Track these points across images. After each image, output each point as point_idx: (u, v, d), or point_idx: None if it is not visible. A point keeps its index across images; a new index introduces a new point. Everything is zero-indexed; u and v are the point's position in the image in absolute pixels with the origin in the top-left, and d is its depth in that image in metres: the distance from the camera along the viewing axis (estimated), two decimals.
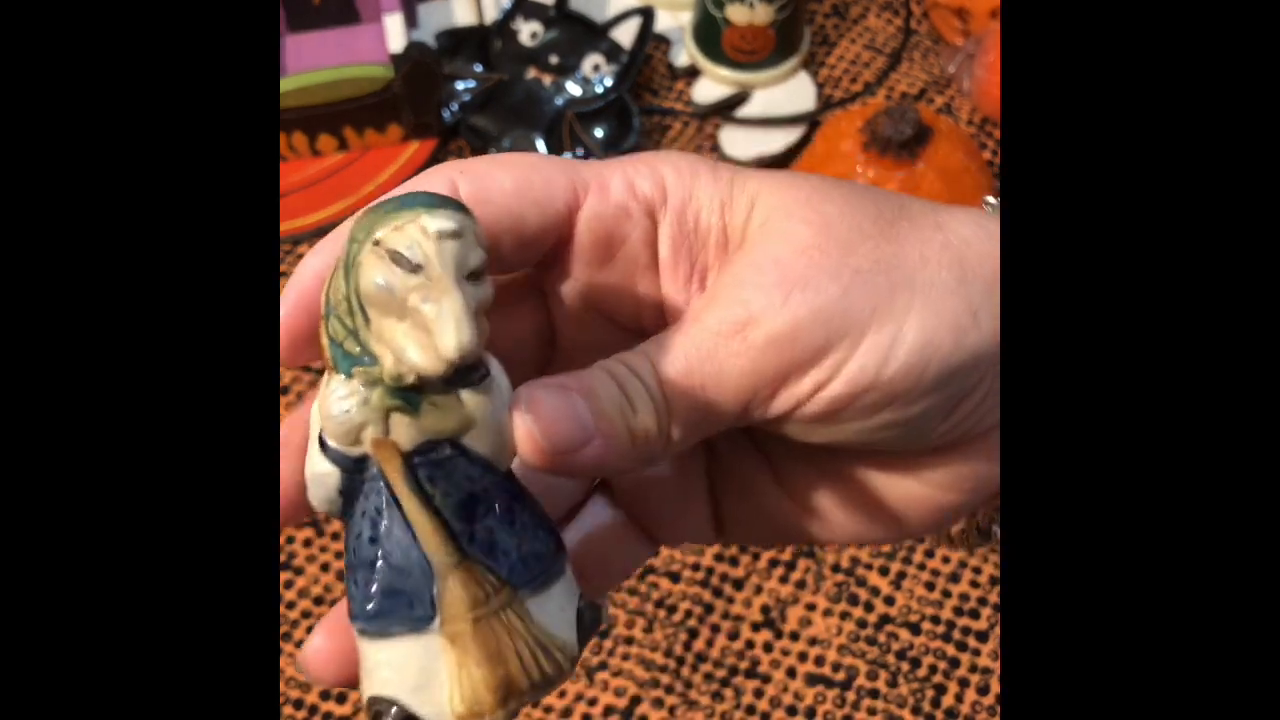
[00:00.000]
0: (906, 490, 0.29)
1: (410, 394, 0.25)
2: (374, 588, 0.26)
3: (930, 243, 0.26)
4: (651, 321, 0.29)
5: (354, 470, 0.26)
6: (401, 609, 0.26)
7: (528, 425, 0.25)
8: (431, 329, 0.24)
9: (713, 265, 0.28)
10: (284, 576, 0.69)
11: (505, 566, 0.26)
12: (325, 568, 0.69)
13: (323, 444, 0.26)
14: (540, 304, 0.30)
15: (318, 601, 0.68)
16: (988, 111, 0.86)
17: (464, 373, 0.25)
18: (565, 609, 0.28)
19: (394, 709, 0.27)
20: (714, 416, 0.26)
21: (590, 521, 0.32)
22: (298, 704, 0.65)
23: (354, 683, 0.28)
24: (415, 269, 0.24)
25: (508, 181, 0.27)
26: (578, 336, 0.30)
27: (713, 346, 0.26)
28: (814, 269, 0.26)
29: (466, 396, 0.26)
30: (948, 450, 0.28)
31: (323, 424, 0.26)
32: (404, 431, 0.26)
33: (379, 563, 0.26)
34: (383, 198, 0.25)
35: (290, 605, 0.68)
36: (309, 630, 0.67)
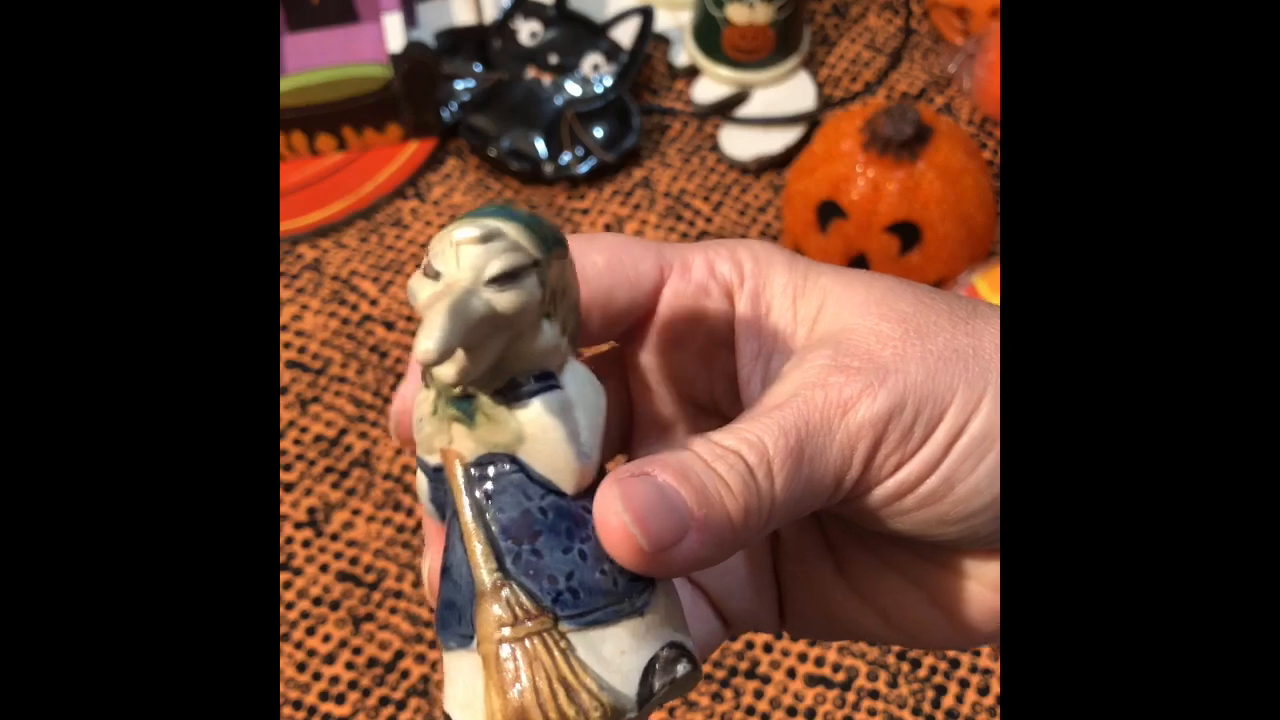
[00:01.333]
0: (968, 592, 0.29)
1: (464, 403, 0.25)
2: (442, 597, 0.26)
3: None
4: (724, 399, 0.30)
5: (437, 480, 0.26)
6: (453, 623, 0.26)
7: (623, 522, 0.24)
8: (421, 328, 0.24)
9: (780, 350, 0.29)
10: (283, 577, 0.69)
11: (549, 593, 0.25)
12: (324, 568, 0.69)
13: (418, 454, 0.26)
14: (620, 378, 0.31)
15: (316, 602, 0.68)
16: (988, 111, 0.86)
17: (518, 384, 0.25)
18: (628, 654, 0.25)
19: None
20: (810, 495, 0.26)
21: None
22: (297, 704, 0.65)
23: None
24: (436, 275, 0.24)
25: (600, 260, 0.28)
26: (654, 411, 0.31)
27: (818, 425, 0.26)
28: (900, 357, 0.27)
29: (520, 409, 0.25)
30: None
31: (415, 436, 0.26)
32: (465, 443, 0.25)
33: (448, 571, 0.26)
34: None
35: (289, 605, 0.68)
36: (308, 631, 0.67)
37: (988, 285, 0.74)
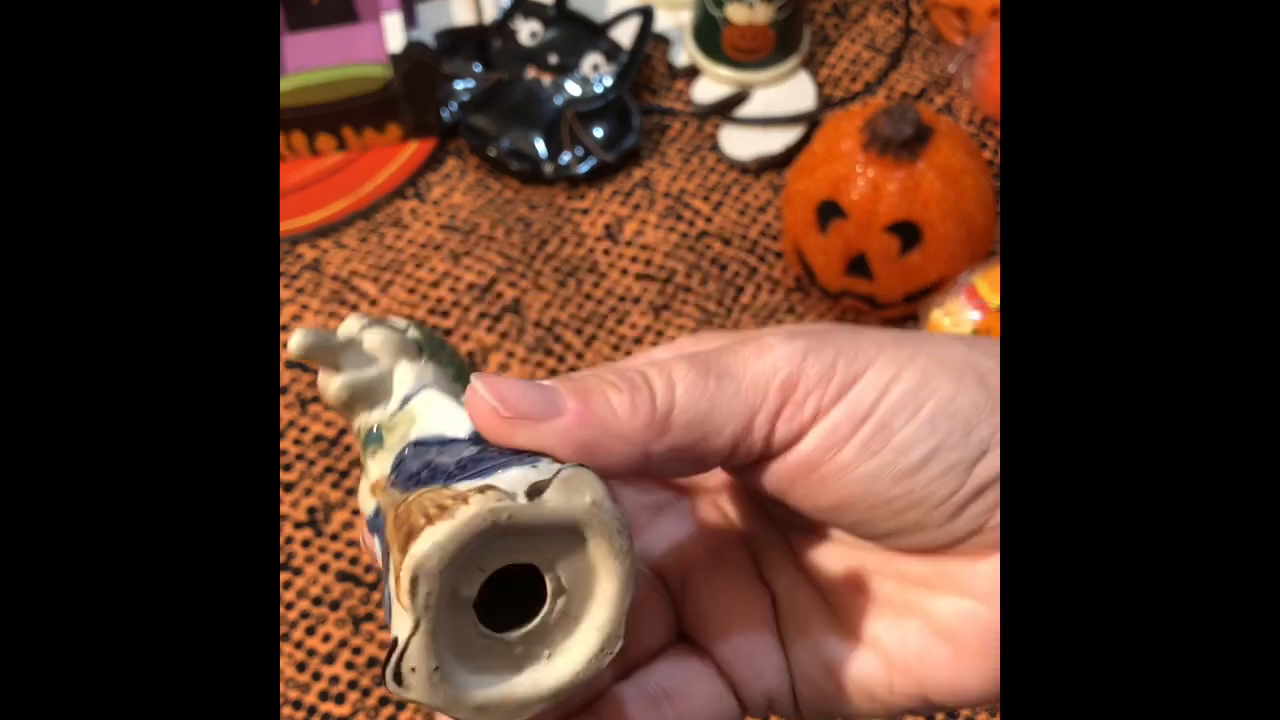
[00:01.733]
0: (957, 609, 0.28)
1: (374, 433, 0.30)
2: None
3: (946, 334, 0.28)
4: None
5: (378, 524, 0.28)
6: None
7: (484, 398, 0.26)
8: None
9: None
10: (283, 577, 0.69)
11: (442, 476, 0.26)
12: (324, 568, 0.69)
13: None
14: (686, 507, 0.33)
15: (316, 602, 0.68)
16: (988, 111, 0.86)
17: (404, 400, 0.30)
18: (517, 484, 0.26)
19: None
20: (719, 417, 0.26)
21: (677, 667, 0.31)
22: (297, 704, 0.65)
23: None
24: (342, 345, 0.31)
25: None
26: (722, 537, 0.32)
27: (730, 356, 0.26)
28: (830, 331, 0.27)
29: (405, 408, 0.30)
30: (990, 552, 0.27)
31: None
32: (382, 463, 0.29)
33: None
34: None
35: (289, 605, 0.68)
36: (308, 631, 0.67)
37: (988, 285, 0.74)
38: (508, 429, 0.25)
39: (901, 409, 0.26)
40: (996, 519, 0.27)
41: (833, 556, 0.30)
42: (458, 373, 0.32)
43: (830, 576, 0.30)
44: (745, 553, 0.32)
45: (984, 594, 0.28)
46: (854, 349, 0.27)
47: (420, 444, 0.28)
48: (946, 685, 0.29)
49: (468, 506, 0.24)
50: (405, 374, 0.31)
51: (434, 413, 0.29)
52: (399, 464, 0.28)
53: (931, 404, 0.26)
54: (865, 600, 0.30)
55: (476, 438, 0.27)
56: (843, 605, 0.30)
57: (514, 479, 0.24)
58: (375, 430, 0.30)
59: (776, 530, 0.32)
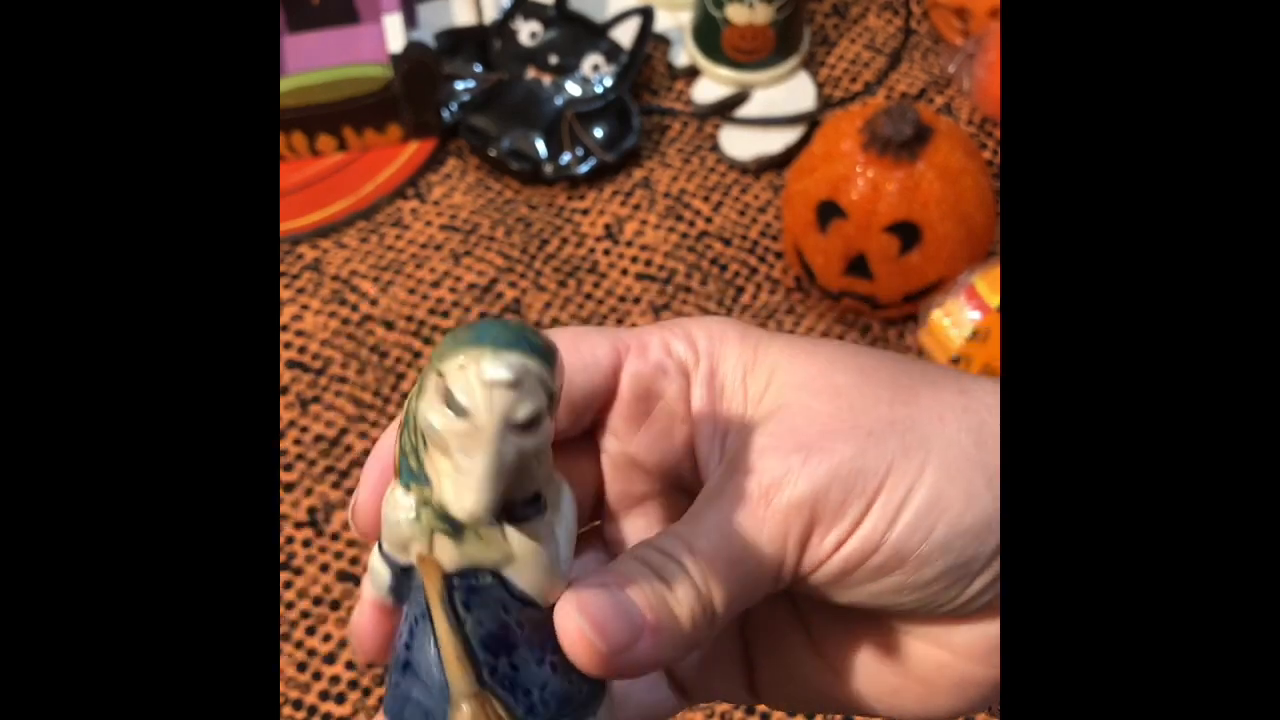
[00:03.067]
0: (935, 659, 0.29)
1: (456, 520, 0.26)
2: (404, 692, 0.27)
3: (951, 406, 0.27)
4: (688, 473, 0.31)
5: (402, 576, 0.27)
6: (402, 705, 0.27)
7: (581, 629, 0.26)
8: (458, 483, 0.24)
9: (733, 428, 0.29)
10: (283, 577, 0.69)
11: (523, 704, 0.26)
12: (324, 568, 0.69)
13: (380, 544, 0.27)
14: (593, 460, 0.31)
15: (316, 602, 0.68)
16: (988, 111, 0.86)
17: (512, 507, 0.26)
18: None
19: None
20: (751, 586, 0.27)
21: None
22: (297, 704, 0.65)
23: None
24: (462, 413, 0.24)
25: (561, 345, 0.29)
26: (623, 489, 0.31)
27: (741, 517, 0.27)
28: (827, 435, 0.27)
29: (511, 532, 0.26)
30: (977, 618, 0.28)
31: (382, 528, 0.26)
32: (447, 553, 0.26)
33: (411, 669, 0.27)
34: (473, 324, 0.26)
35: (289, 605, 0.68)
36: (308, 631, 0.67)
37: (987, 285, 0.74)
38: (601, 667, 0.26)
39: (913, 533, 0.27)
40: (989, 598, 0.27)
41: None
42: None
43: (812, 606, 0.31)
44: None
45: (963, 650, 0.29)
46: (861, 476, 0.27)
47: (504, 587, 0.26)
48: (912, 715, 0.30)
49: None
50: (545, 465, 0.26)
51: (532, 570, 0.26)
52: (470, 589, 0.26)
53: (942, 526, 0.26)
54: (845, 634, 0.30)
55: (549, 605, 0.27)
56: (820, 632, 0.31)
57: None
58: (460, 524, 0.26)
59: None
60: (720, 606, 0.27)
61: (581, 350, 0.29)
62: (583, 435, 0.31)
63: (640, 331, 0.30)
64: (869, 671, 0.30)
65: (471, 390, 0.24)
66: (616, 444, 0.31)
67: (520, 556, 0.26)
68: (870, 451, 0.27)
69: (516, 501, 0.26)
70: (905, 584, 0.27)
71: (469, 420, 0.24)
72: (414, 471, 0.25)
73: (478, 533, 0.26)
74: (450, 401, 0.24)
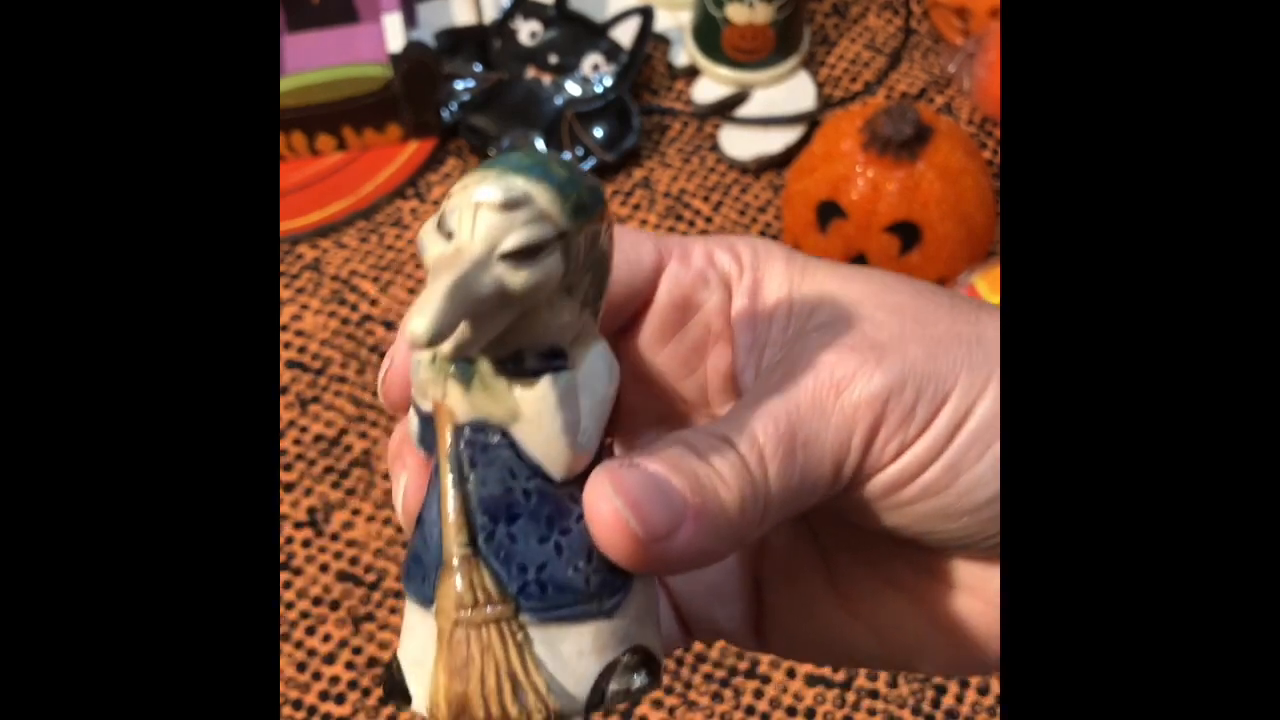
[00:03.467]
0: (967, 607, 0.28)
1: (464, 365, 0.24)
2: (410, 545, 0.25)
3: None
4: (716, 395, 0.29)
5: (427, 426, 0.25)
6: (417, 580, 0.25)
7: (615, 507, 0.23)
8: (416, 304, 0.22)
9: (774, 343, 0.28)
10: (283, 577, 0.69)
11: (516, 581, 0.24)
12: (324, 568, 0.69)
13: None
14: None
15: (316, 602, 0.68)
16: (988, 111, 0.86)
17: (522, 358, 0.23)
18: (586, 656, 0.24)
19: (395, 676, 0.25)
20: (809, 482, 0.25)
21: None
22: (296, 704, 0.65)
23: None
24: (449, 235, 0.22)
25: None
26: (643, 401, 0.30)
27: (810, 407, 0.25)
28: (897, 339, 0.26)
29: (519, 386, 0.23)
30: None
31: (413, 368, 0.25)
32: (459, 403, 0.24)
33: (421, 523, 0.25)
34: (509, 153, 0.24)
35: (289, 605, 0.68)
36: (308, 631, 0.67)
37: (987, 285, 0.73)
38: (637, 556, 0.24)
39: (970, 448, 0.26)
40: None
41: (844, 526, 0.29)
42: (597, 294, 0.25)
43: (837, 542, 0.30)
44: None
45: (996, 600, 0.28)
46: (933, 380, 0.25)
47: (513, 449, 0.24)
48: (936, 667, 0.29)
49: None
50: (559, 315, 0.24)
51: (540, 432, 0.24)
52: (478, 444, 0.24)
53: (997, 446, 0.26)
54: (871, 577, 0.29)
55: (568, 480, 0.24)
56: (844, 574, 0.30)
57: (587, 666, 0.24)
58: (469, 369, 0.24)
59: None
60: (775, 495, 0.25)
61: (622, 246, 0.27)
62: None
63: (683, 240, 0.29)
64: (893, 618, 0.29)
65: (459, 210, 0.22)
66: (646, 353, 0.29)
67: (527, 415, 0.24)
68: (941, 357, 0.26)
69: (528, 353, 0.23)
70: (953, 507, 0.26)
71: (454, 241, 0.22)
72: None
73: (484, 383, 0.23)
74: (441, 223, 0.22)
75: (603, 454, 0.25)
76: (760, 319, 0.28)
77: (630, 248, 0.28)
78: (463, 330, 0.22)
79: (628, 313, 0.29)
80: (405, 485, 0.27)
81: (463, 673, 0.24)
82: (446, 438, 0.24)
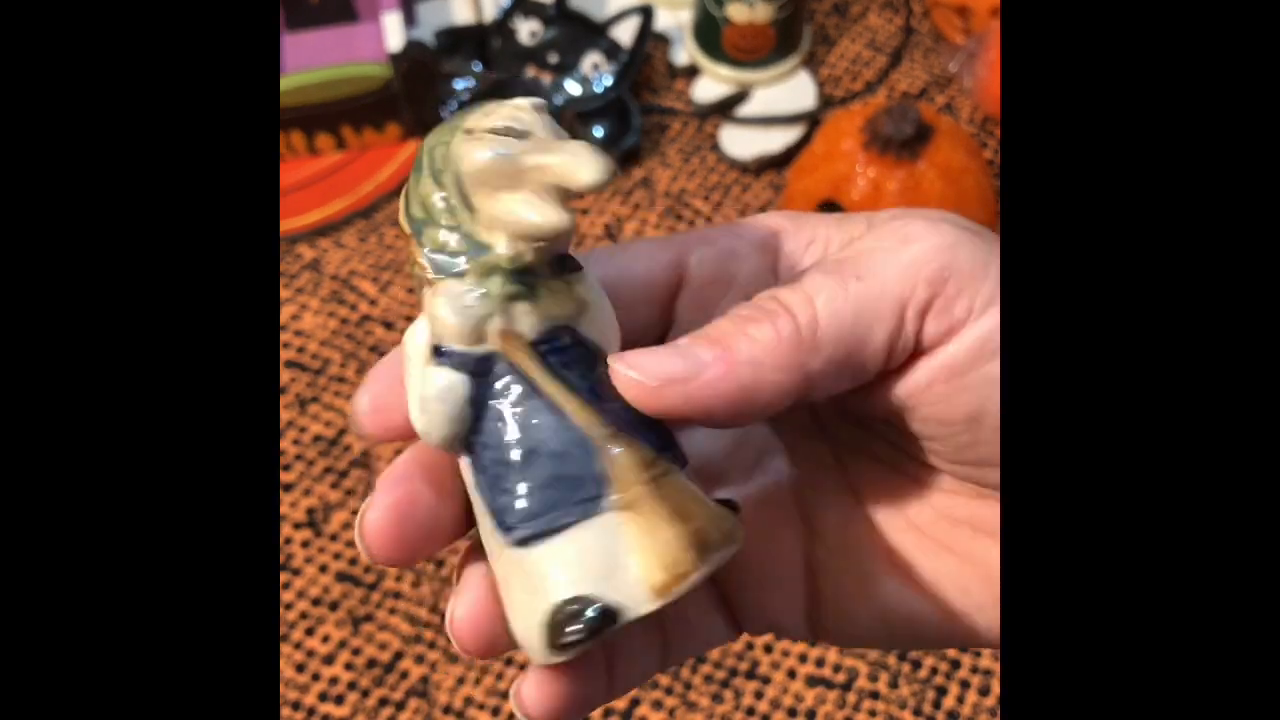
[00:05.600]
0: None
1: (526, 278, 0.25)
2: (533, 484, 0.25)
3: None
4: None
5: (481, 373, 0.25)
6: (568, 494, 0.25)
7: (616, 370, 0.25)
8: (566, 166, 0.24)
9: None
10: (282, 577, 0.69)
11: (656, 443, 0.25)
12: (323, 569, 0.69)
13: (441, 354, 0.25)
14: None
15: (315, 602, 0.68)
16: (989, 110, 0.86)
17: (563, 261, 0.26)
18: (710, 499, 0.26)
19: (590, 606, 0.24)
20: (859, 345, 0.25)
21: None
22: (296, 705, 0.65)
23: (504, 648, 0.26)
24: (523, 135, 0.24)
25: (612, 260, 0.28)
26: None
27: (871, 251, 0.25)
28: (949, 235, 0.26)
29: (576, 282, 0.26)
30: None
31: (440, 331, 0.25)
32: (526, 320, 0.25)
33: (534, 455, 0.25)
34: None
35: (288, 606, 0.68)
36: (307, 631, 0.67)
37: None
38: (659, 398, 0.25)
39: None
40: None
41: (889, 487, 0.29)
42: None
43: (892, 513, 0.29)
44: (785, 461, 0.30)
45: None
46: (985, 264, 0.25)
47: (582, 344, 0.26)
48: (995, 634, 0.28)
49: (739, 536, 0.26)
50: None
51: (601, 314, 0.26)
52: (559, 349, 0.25)
53: None
54: (929, 544, 0.29)
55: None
56: (900, 543, 0.29)
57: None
58: (532, 280, 0.25)
59: (826, 446, 0.30)
60: (826, 334, 0.25)
61: (637, 253, 0.28)
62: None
63: (703, 229, 0.29)
64: (953, 582, 0.28)
65: (519, 116, 0.25)
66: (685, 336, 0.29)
67: (592, 304, 0.26)
68: (991, 247, 0.25)
69: (557, 258, 0.26)
70: (986, 408, 0.25)
71: (529, 138, 0.24)
72: (464, 252, 0.25)
73: (550, 287, 0.25)
74: (507, 131, 0.24)
75: None
76: (811, 260, 0.28)
77: (644, 251, 0.28)
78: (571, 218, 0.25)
79: (657, 306, 0.29)
80: (384, 520, 0.26)
81: (686, 513, 0.25)
82: (529, 356, 0.25)
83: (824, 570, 0.30)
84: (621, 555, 0.25)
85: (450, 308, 0.25)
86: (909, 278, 0.25)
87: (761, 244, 0.28)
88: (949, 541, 0.29)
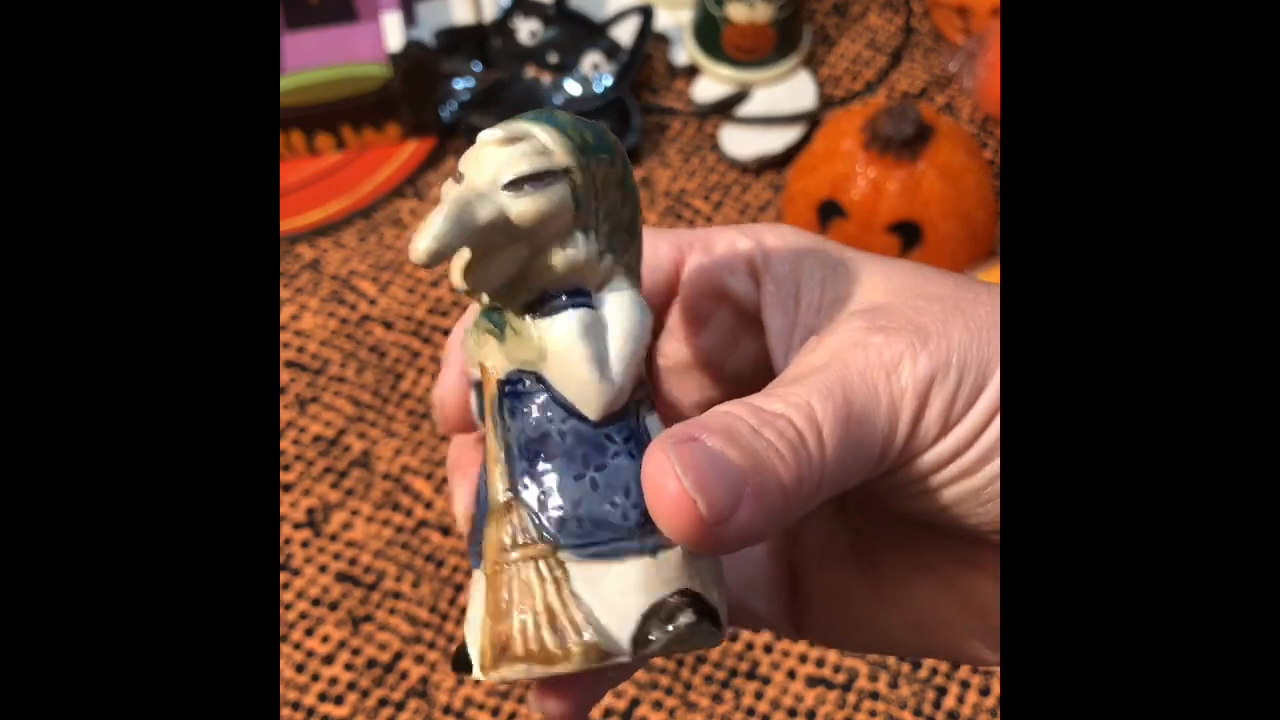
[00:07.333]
0: (996, 592, 0.28)
1: (495, 316, 0.25)
2: (473, 523, 0.26)
3: None
4: (753, 381, 0.29)
5: (478, 392, 0.26)
6: (476, 542, 0.26)
7: (684, 489, 0.23)
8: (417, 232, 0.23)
9: (810, 324, 0.27)
10: (282, 578, 0.69)
11: (553, 520, 0.24)
12: (323, 569, 0.69)
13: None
14: (648, 368, 0.30)
15: (315, 603, 0.68)
16: (989, 110, 0.86)
17: (546, 300, 0.24)
18: (629, 595, 0.24)
19: (459, 651, 0.26)
20: (859, 461, 0.25)
21: None
22: (295, 705, 0.65)
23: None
24: (460, 178, 0.24)
25: None
26: (681, 399, 0.30)
27: (864, 385, 0.25)
28: (941, 324, 0.26)
29: (540, 324, 0.24)
30: None
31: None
32: (496, 358, 0.25)
33: (478, 494, 0.26)
34: None
35: (288, 606, 0.68)
36: (307, 632, 0.67)
37: None
38: (699, 536, 0.23)
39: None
40: None
41: (878, 512, 0.29)
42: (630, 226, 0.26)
43: (870, 528, 0.29)
44: None
45: None
46: (974, 364, 0.26)
47: (548, 392, 0.24)
48: (973, 655, 0.29)
49: (569, 663, 0.23)
50: (575, 255, 0.24)
51: (565, 368, 0.24)
52: (516, 394, 0.25)
53: None
54: (906, 564, 0.29)
55: (604, 421, 0.25)
56: (879, 562, 0.29)
57: (632, 602, 0.24)
58: (500, 319, 0.25)
59: None
60: (829, 472, 0.24)
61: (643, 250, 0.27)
62: None
63: (705, 232, 0.28)
64: (926, 604, 0.29)
65: (468, 155, 0.24)
66: (675, 346, 0.29)
67: (553, 353, 0.24)
68: (982, 343, 0.26)
69: (553, 294, 0.24)
70: (986, 490, 0.26)
71: (465, 180, 0.23)
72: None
73: (514, 328, 0.24)
74: (456, 173, 0.24)
75: (641, 408, 0.25)
76: (794, 302, 0.28)
77: (648, 250, 0.28)
78: (474, 267, 0.24)
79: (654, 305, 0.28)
80: (465, 489, 0.28)
81: (504, 614, 0.24)
82: (490, 394, 0.25)
83: (804, 573, 0.30)
84: (478, 619, 0.25)
85: (464, 337, 0.26)
86: (893, 417, 0.25)
87: (749, 268, 0.28)
88: (927, 563, 0.29)
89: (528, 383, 0.25)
